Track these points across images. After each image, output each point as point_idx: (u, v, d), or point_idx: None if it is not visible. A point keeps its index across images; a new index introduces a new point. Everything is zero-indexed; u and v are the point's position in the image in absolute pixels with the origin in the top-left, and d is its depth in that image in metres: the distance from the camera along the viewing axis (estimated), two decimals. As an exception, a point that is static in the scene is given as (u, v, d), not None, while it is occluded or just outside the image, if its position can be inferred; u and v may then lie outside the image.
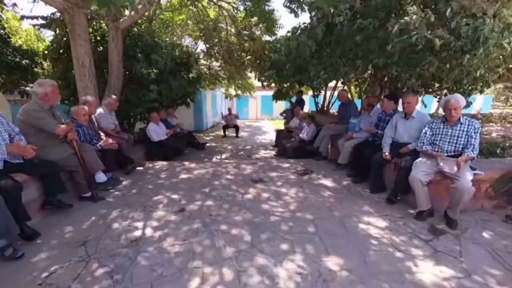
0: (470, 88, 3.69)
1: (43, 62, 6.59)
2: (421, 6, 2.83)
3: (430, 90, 5.03)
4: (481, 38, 2.50)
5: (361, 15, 3.47)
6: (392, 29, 2.84)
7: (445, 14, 2.72)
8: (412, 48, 2.85)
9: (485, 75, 3.57)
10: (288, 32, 5.64)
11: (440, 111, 12.55)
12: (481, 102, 19.41)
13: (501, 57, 3.46)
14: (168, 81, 5.49)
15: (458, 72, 3.11)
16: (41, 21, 4.90)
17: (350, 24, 3.41)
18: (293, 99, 8.90)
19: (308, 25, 4.48)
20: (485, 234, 2.34)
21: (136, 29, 5.42)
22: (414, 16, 2.64)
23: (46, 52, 5.53)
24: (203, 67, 9.55)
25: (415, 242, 2.21)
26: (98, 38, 5.31)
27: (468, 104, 4.14)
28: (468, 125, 2.52)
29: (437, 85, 4.68)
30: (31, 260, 1.94)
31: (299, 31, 4.70)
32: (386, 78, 4.99)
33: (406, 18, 2.72)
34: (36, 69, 6.45)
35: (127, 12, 4.50)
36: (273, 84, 8.01)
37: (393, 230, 2.38)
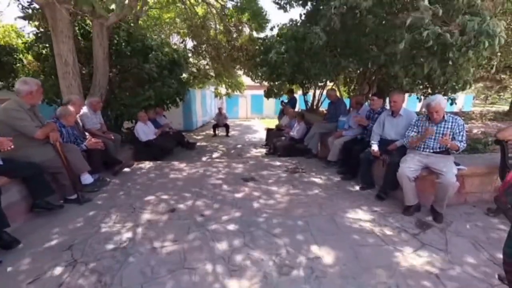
0: (456, 86, 3.81)
1: (23, 59, 6.29)
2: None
3: (419, 88, 5.17)
4: (484, 33, 2.54)
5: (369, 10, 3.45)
6: (402, 25, 2.84)
7: (450, 10, 2.75)
8: (416, 45, 2.86)
9: (469, 75, 3.71)
10: (284, 24, 5.59)
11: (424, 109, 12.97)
12: (462, 101, 20.20)
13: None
14: (161, 80, 5.38)
15: (450, 70, 3.18)
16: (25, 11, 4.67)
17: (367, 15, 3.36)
18: (284, 98, 8.93)
19: (314, 13, 4.39)
20: (468, 227, 2.43)
21: (124, 27, 5.27)
22: (426, 13, 2.64)
23: (28, 46, 5.28)
24: (192, 66, 9.42)
25: (404, 236, 2.27)
26: (84, 34, 5.12)
27: (452, 101, 4.28)
28: (452, 122, 2.60)
29: (426, 84, 4.79)
30: (13, 266, 1.85)
31: (303, 17, 4.61)
32: (374, 77, 5.09)
33: (417, 13, 2.71)
34: (15, 66, 6.14)
35: (113, 6, 4.35)
36: (265, 83, 7.99)
37: (382, 225, 2.44)
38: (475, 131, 5.22)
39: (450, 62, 3.13)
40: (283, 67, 5.04)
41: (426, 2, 2.66)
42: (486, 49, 2.79)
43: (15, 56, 6.06)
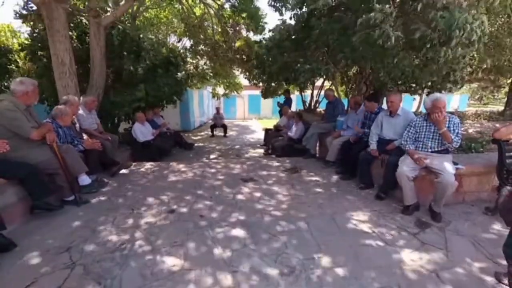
0: (444, 84, 3.89)
1: (18, 60, 6.20)
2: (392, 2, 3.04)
3: (410, 89, 5.21)
4: (453, 26, 2.64)
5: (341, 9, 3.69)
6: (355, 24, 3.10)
7: (417, 8, 2.89)
8: (379, 43, 3.02)
9: (455, 72, 3.79)
10: (269, 30, 5.80)
11: (421, 109, 13.04)
12: (457, 101, 20.42)
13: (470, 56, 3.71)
14: (155, 80, 5.34)
15: (434, 68, 3.26)
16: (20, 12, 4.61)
17: (327, 19, 3.60)
18: (280, 99, 8.95)
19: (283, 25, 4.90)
20: (467, 226, 2.44)
21: (120, 27, 5.23)
22: (378, 14, 2.88)
23: (23, 47, 5.21)
24: (189, 65, 9.39)
25: (403, 235, 2.28)
26: (79, 34, 5.07)
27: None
28: (449, 121, 2.62)
29: (414, 85, 4.88)
30: (10, 269, 1.82)
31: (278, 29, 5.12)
32: (371, 77, 5.12)
33: (371, 14, 2.93)
34: (9, 67, 6.04)
35: (110, 4, 4.32)
36: (261, 84, 8.01)
37: (382, 225, 2.44)
38: (470, 130, 5.27)
39: (420, 59, 3.32)
40: (269, 63, 5.23)
41: (380, 6, 2.95)
42: (458, 44, 2.91)
43: (10, 57, 5.96)
